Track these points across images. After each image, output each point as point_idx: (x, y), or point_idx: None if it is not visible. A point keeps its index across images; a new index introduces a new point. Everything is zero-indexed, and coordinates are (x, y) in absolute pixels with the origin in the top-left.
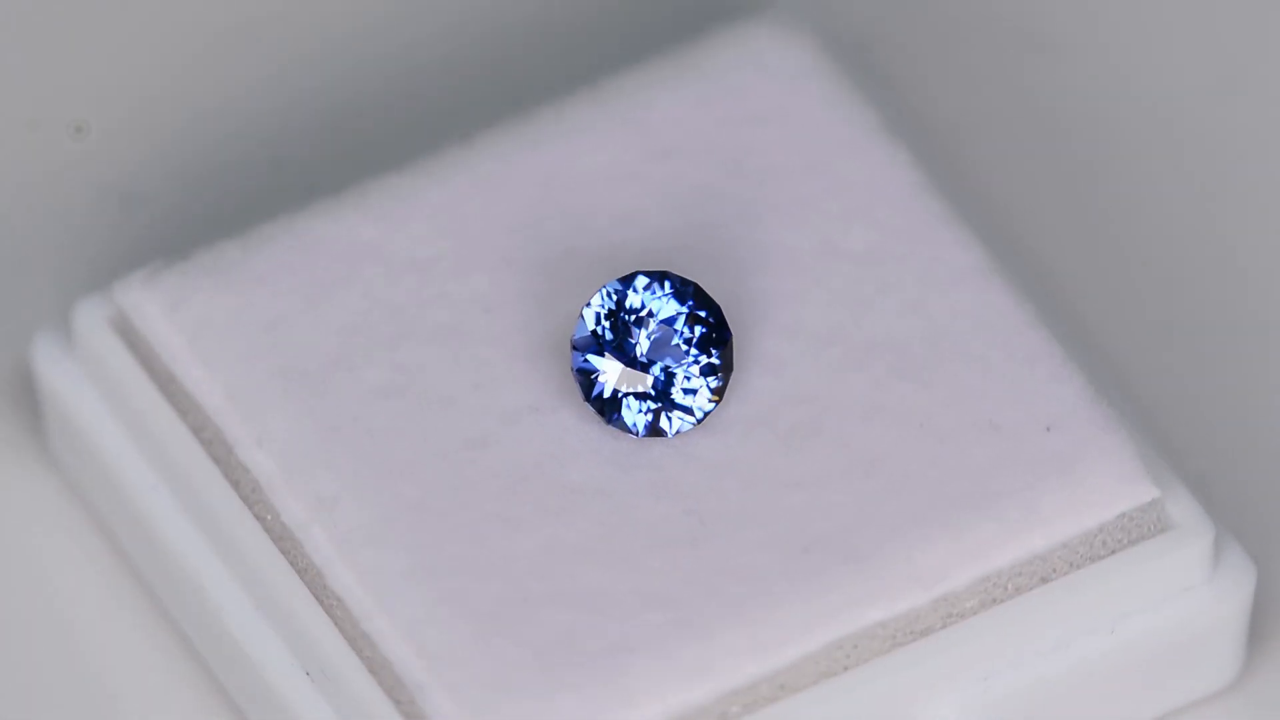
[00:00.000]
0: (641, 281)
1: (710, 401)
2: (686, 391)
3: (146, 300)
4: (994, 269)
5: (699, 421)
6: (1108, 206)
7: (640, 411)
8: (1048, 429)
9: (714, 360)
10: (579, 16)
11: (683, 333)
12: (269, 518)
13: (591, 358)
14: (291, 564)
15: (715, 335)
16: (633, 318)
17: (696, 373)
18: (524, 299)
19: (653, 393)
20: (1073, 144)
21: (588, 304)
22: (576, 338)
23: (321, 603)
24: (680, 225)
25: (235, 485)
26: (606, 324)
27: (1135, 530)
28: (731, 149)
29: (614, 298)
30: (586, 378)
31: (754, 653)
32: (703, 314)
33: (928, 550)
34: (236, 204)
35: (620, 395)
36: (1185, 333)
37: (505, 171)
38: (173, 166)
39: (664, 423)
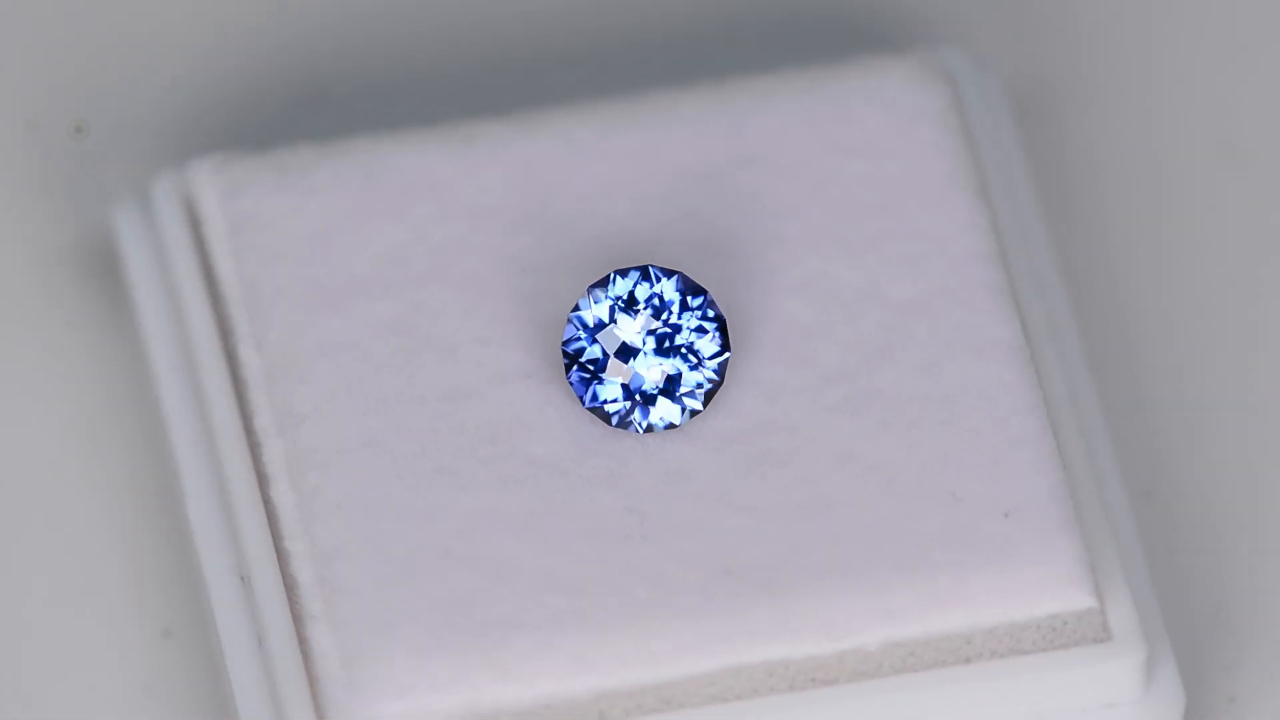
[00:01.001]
0: (653, 275)
1: (690, 411)
2: (673, 395)
3: (209, 184)
4: (1022, 347)
5: (671, 426)
6: (1212, 315)
7: (616, 399)
8: (1006, 514)
9: (710, 372)
10: (744, 23)
11: (686, 337)
12: (248, 418)
13: (585, 336)
14: (254, 467)
15: (717, 346)
16: (638, 310)
17: (688, 379)
18: (563, 267)
19: (637, 388)
20: (1203, 248)
21: (601, 285)
22: (575, 314)
23: (266, 511)
24: (735, 232)
25: (233, 379)
26: (613, 307)
27: (1067, 634)
28: (818, 172)
29: (628, 286)
30: (573, 357)
31: (643, 659)
32: (710, 325)
33: (844, 601)
34: (344, 112)
35: (604, 379)
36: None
37: (596, 144)
38: (291, 62)
39: (636, 416)
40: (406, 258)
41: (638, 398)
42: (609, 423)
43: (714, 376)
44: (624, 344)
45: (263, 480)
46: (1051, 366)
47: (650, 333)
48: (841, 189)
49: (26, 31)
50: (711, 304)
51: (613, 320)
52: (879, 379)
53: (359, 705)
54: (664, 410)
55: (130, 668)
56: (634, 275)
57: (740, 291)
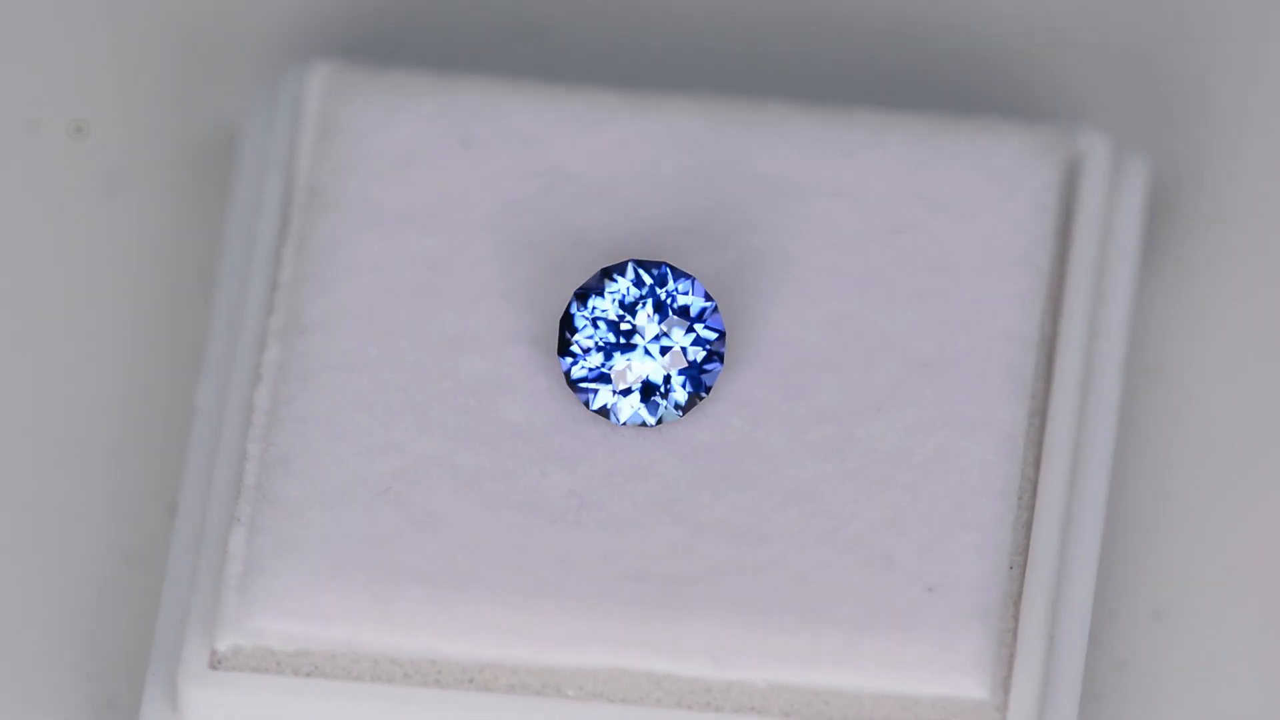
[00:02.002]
0: (668, 276)
1: (662, 417)
2: (654, 395)
3: (317, 87)
4: (1017, 435)
5: (643, 424)
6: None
7: (595, 381)
8: (929, 588)
9: (702, 379)
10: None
11: (685, 343)
12: (271, 317)
13: (581, 316)
14: (253, 367)
15: (711, 356)
16: (646, 304)
17: (674, 383)
18: (618, 248)
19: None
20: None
21: (616, 269)
22: (580, 288)
23: (247, 411)
24: (792, 255)
25: (272, 279)
26: (621, 295)
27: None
28: (897, 217)
29: (643, 278)
30: (566, 338)
31: (529, 639)
32: (713, 336)
33: (736, 633)
34: (500, 49)
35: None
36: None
37: (697, 137)
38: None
39: (614, 406)
40: (468, 202)
41: (624, 388)
42: (587, 406)
43: (700, 387)
44: (628, 340)
45: (253, 380)
46: (1060, 463)
47: (655, 329)
48: (912, 239)
49: None
50: (717, 316)
51: (625, 314)
52: (865, 429)
53: (244, 616)
54: (640, 407)
55: (123, 535)
56: (650, 272)
57: (771, 310)
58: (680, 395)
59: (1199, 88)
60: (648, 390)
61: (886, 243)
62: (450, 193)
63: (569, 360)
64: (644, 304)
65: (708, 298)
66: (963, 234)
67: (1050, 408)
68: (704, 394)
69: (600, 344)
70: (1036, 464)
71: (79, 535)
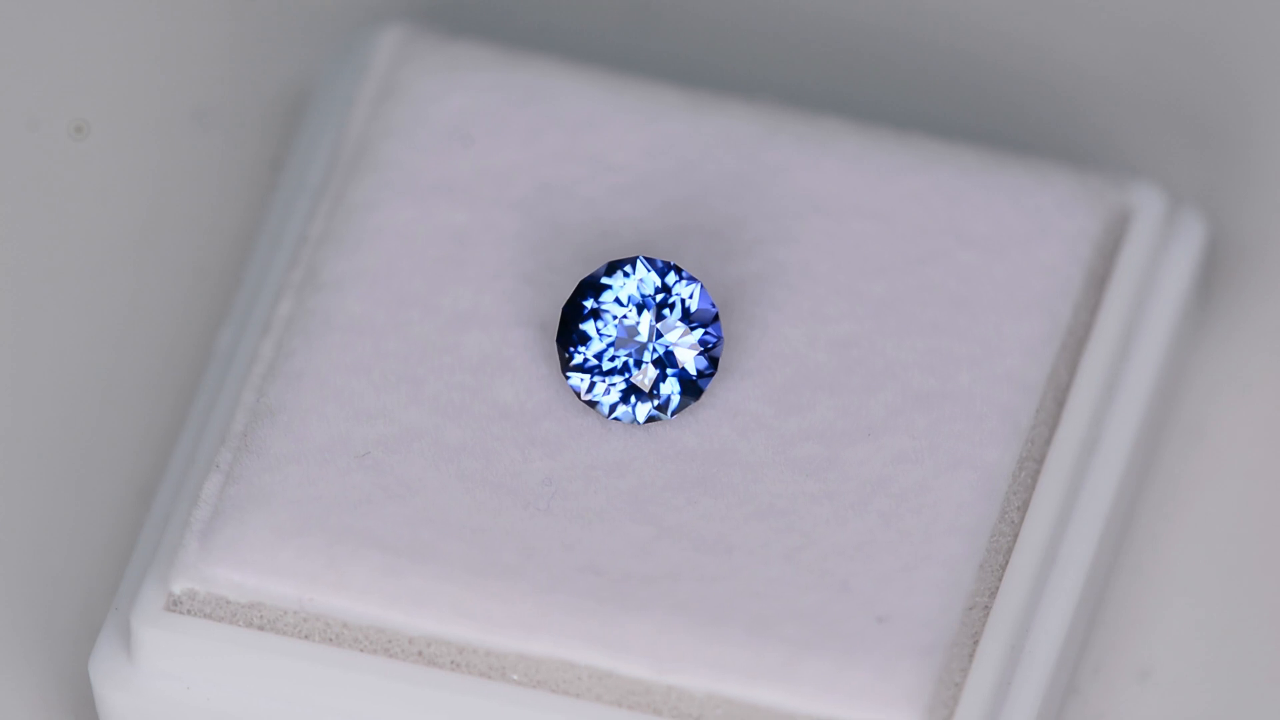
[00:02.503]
0: (674, 278)
1: (650, 417)
2: (649, 394)
3: (382, 48)
4: (1002, 476)
5: (634, 421)
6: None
7: (588, 372)
8: (880, 619)
9: (695, 383)
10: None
11: (682, 347)
12: (293, 270)
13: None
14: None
15: (707, 363)
16: (648, 302)
17: (669, 385)
18: (647, 245)
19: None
20: None
21: (625, 264)
22: (587, 277)
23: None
24: (816, 272)
25: (303, 234)
26: (626, 290)
27: None
28: (927, 247)
29: (649, 276)
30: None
31: (478, 619)
32: (710, 342)
33: (678, 639)
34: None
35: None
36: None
37: (747, 143)
38: None
39: (603, 399)
40: (506, 180)
41: (616, 380)
42: (579, 396)
43: (691, 392)
44: (627, 337)
45: (264, 330)
46: (1046, 511)
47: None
48: (938, 270)
49: None
50: (717, 324)
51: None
52: (852, 452)
53: (202, 562)
54: (628, 404)
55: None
56: (657, 271)
57: (783, 324)
58: (669, 397)
59: (1261, 147)
60: (639, 389)
61: (912, 271)
62: (490, 169)
63: (567, 349)
64: (647, 302)
65: (711, 304)
66: (988, 271)
67: (1048, 455)
68: (693, 398)
69: (600, 335)
70: (1024, 509)
71: (101, 476)
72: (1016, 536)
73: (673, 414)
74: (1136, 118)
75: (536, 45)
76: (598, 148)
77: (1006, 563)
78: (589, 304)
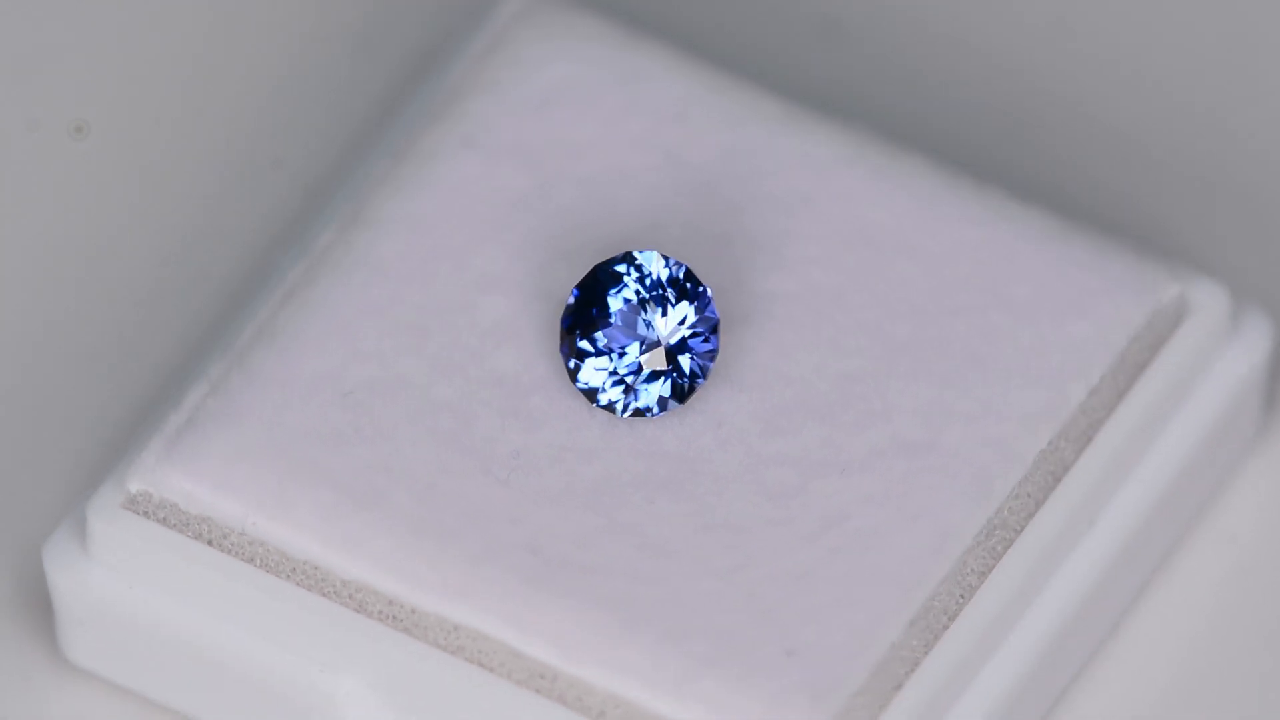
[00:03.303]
0: (685, 280)
1: (635, 411)
2: (634, 384)
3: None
4: (961, 541)
5: (617, 413)
6: None
7: (582, 356)
8: (789, 652)
9: (682, 386)
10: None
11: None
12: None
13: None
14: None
15: (698, 369)
16: (657, 292)
17: (652, 386)
18: (682, 239)
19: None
20: None
21: (640, 254)
22: (603, 262)
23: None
24: (847, 299)
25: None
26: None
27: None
28: (962, 299)
29: (660, 274)
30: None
31: (402, 574)
32: (704, 349)
33: (585, 631)
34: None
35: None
36: None
37: (823, 163)
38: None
39: (589, 383)
40: (580, 155)
41: (612, 370)
42: (570, 377)
43: (677, 395)
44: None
45: (302, 257)
46: (1006, 583)
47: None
48: (966, 325)
49: None
50: (715, 336)
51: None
52: (821, 485)
53: (161, 465)
54: (610, 394)
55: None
56: (669, 268)
57: (797, 348)
58: (649, 397)
59: None
60: (627, 383)
61: (941, 320)
62: (566, 141)
63: (573, 330)
64: (654, 298)
65: (714, 312)
66: (1014, 336)
67: (1027, 528)
68: (678, 402)
69: (604, 322)
70: (983, 575)
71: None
72: (967, 600)
73: (655, 413)
74: (1211, 212)
75: (678, 36)
76: (676, 141)
77: (949, 624)
78: (601, 288)
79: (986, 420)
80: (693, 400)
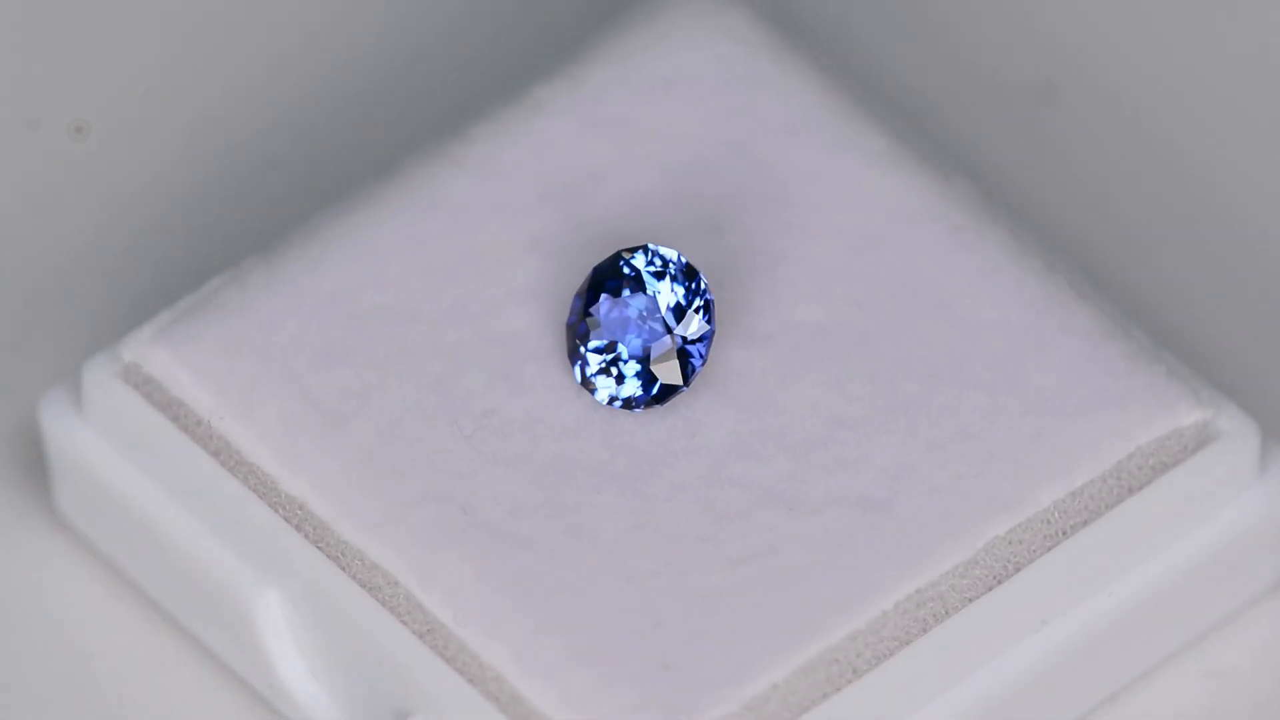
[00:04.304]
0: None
1: (617, 401)
2: (623, 374)
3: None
4: (883, 605)
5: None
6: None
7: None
8: (665, 665)
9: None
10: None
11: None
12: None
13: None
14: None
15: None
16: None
17: (630, 383)
18: (733, 249)
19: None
20: None
21: (667, 252)
22: (627, 248)
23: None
24: (869, 349)
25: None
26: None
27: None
28: (984, 379)
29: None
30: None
31: (337, 504)
32: (693, 356)
33: (483, 600)
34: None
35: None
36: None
37: (910, 211)
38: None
39: (582, 364)
40: (674, 144)
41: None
42: (569, 357)
43: (658, 395)
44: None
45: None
46: (926, 657)
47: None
48: (972, 401)
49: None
50: (704, 344)
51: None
52: (765, 516)
53: (154, 341)
54: (593, 378)
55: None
56: (683, 271)
57: (808, 384)
58: (626, 390)
59: None
60: (611, 372)
61: (952, 390)
62: (666, 128)
63: (586, 308)
64: (666, 297)
65: (709, 321)
66: (1017, 422)
67: (964, 610)
68: (659, 403)
69: (615, 307)
70: (904, 643)
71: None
72: (878, 664)
73: (639, 409)
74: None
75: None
76: (770, 153)
77: (851, 681)
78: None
79: (951, 495)
80: (681, 406)
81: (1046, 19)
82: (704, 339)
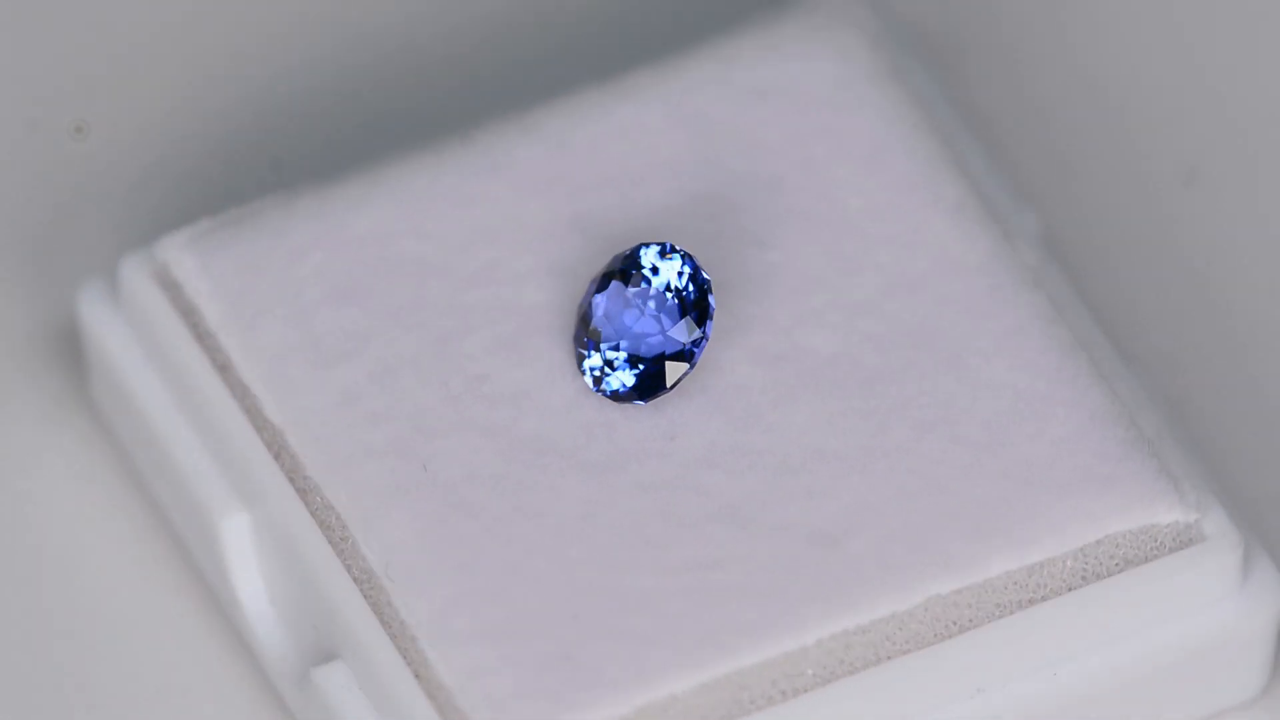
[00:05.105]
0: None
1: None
2: (612, 364)
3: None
4: (790, 646)
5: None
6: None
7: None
8: (566, 656)
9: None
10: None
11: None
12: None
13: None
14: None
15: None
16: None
17: (619, 374)
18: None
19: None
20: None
21: (667, 248)
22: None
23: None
24: (874, 389)
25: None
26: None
27: None
28: (986, 458)
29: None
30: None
31: (303, 437)
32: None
33: (406, 560)
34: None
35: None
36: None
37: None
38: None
39: (581, 349)
40: (741, 155)
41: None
42: (575, 340)
43: (641, 391)
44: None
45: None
46: (853, 699)
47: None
48: (956, 457)
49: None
50: (699, 348)
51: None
52: (714, 531)
53: (186, 246)
54: (588, 362)
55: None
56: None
57: (798, 410)
58: (614, 381)
59: None
60: (605, 361)
61: (939, 443)
62: (750, 136)
63: (590, 287)
64: (675, 298)
65: (705, 333)
66: (994, 486)
67: (894, 660)
68: (642, 400)
69: (629, 295)
70: (828, 681)
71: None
72: (790, 698)
73: (617, 400)
74: None
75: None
76: (839, 180)
77: (757, 709)
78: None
79: (902, 544)
80: (669, 408)
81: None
82: (698, 345)
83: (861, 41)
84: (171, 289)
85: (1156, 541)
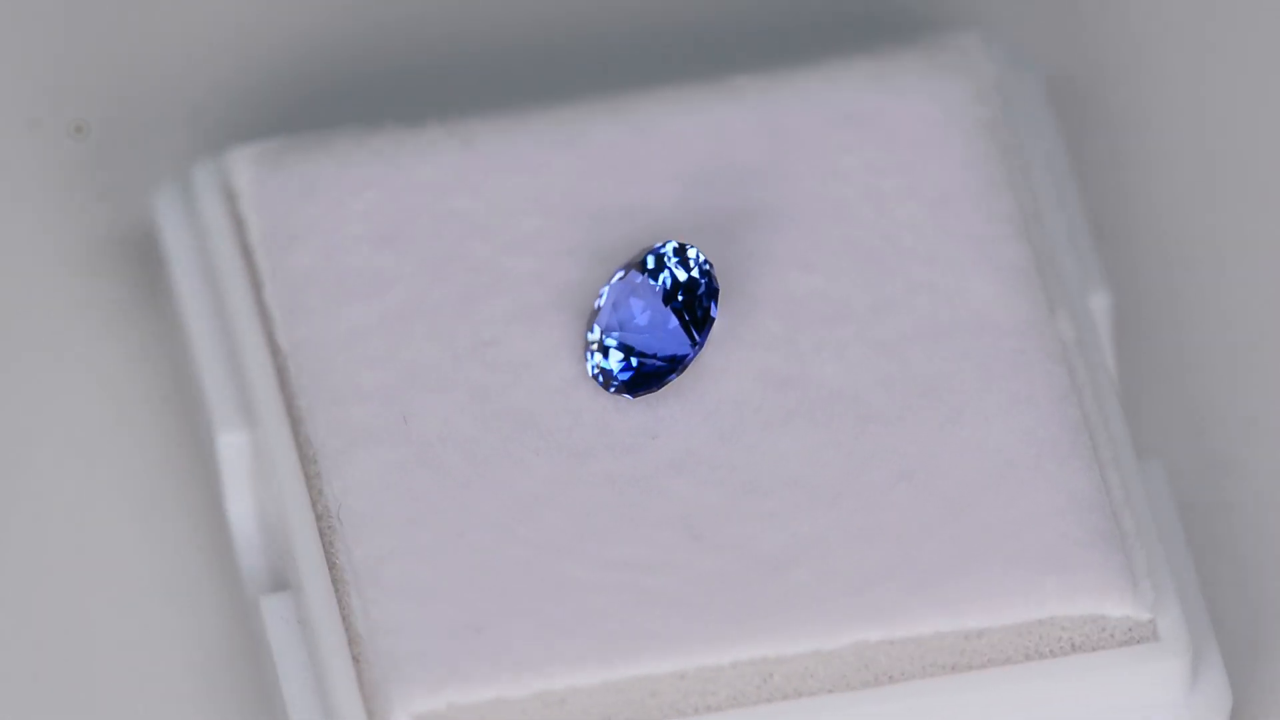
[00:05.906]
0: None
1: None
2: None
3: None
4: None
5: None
6: None
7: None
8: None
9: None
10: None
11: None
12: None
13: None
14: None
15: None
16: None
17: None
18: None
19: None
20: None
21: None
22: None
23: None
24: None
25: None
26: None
27: None
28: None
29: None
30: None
31: (317, 405)
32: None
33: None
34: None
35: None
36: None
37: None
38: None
39: (588, 335)
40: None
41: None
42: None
43: (633, 385)
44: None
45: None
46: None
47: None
48: (937, 508)
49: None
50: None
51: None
52: (666, 535)
53: (254, 161)
54: (590, 349)
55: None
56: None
57: (785, 430)
58: (605, 371)
59: None
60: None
61: (918, 497)
62: (821, 159)
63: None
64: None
65: (702, 339)
66: (958, 545)
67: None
68: (630, 395)
69: (642, 286)
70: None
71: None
72: (698, 713)
73: (607, 388)
74: None
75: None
76: (898, 219)
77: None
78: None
79: (841, 585)
80: (660, 407)
81: None
82: (691, 349)
83: (966, 88)
84: (231, 200)
85: (1105, 634)
